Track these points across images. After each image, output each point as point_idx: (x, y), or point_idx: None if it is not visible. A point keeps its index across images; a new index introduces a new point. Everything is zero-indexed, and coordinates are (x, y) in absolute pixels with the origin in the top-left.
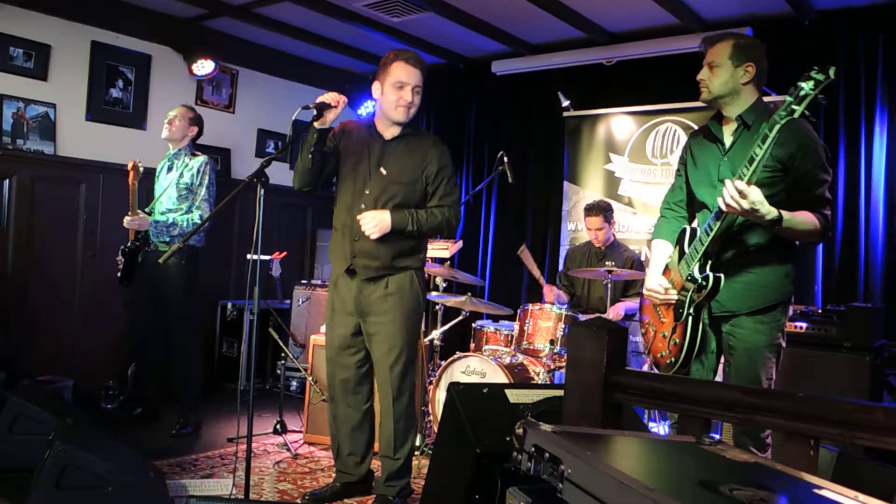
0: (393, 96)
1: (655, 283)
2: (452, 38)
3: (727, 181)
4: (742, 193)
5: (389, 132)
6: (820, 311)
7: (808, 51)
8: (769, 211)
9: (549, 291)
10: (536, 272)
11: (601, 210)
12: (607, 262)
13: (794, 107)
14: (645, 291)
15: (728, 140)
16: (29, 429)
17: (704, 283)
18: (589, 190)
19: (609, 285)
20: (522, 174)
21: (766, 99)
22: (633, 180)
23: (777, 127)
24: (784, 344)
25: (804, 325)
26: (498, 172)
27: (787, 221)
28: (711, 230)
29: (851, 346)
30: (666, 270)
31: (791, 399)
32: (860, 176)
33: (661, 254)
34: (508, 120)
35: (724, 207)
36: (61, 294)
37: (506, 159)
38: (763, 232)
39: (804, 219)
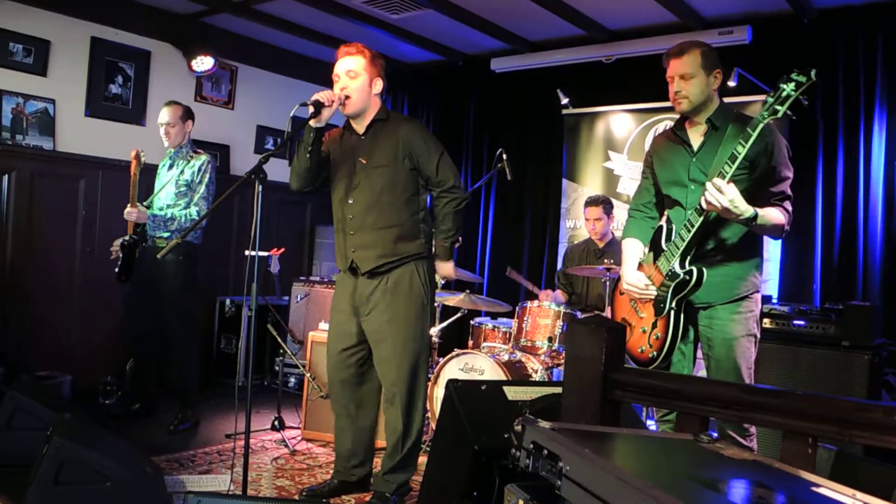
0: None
1: (634, 278)
2: (451, 35)
3: (709, 181)
4: (720, 190)
5: (360, 126)
6: (818, 309)
7: (807, 49)
8: (746, 209)
9: (546, 296)
10: (530, 285)
11: (601, 202)
12: (606, 260)
13: (776, 107)
14: (624, 286)
15: (696, 142)
16: (27, 424)
17: (688, 277)
18: (588, 187)
19: (608, 283)
20: (521, 172)
21: (763, 98)
22: (631, 178)
23: (760, 126)
24: (759, 333)
25: (802, 323)
26: (497, 170)
27: (761, 218)
28: (692, 226)
29: (850, 345)
30: (640, 267)
31: (790, 397)
32: (859, 174)
33: (633, 251)
34: (507, 117)
35: (705, 205)
36: (60, 289)
37: (505, 157)
38: (737, 228)
39: (774, 215)
